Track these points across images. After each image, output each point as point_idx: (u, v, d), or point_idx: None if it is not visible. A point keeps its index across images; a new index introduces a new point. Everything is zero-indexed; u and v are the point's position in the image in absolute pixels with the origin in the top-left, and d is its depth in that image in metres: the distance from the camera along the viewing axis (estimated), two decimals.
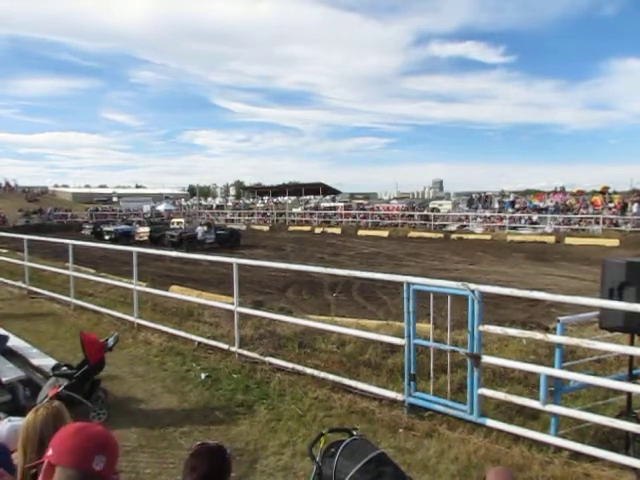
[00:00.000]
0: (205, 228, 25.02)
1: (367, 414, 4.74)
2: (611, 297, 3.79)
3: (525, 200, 35.28)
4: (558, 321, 4.06)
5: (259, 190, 54.97)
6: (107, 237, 27.24)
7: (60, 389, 4.56)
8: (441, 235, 27.89)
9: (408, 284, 4.69)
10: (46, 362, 5.53)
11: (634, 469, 3.60)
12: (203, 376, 5.76)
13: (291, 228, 34.90)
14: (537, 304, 9.80)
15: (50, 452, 1.36)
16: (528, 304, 9.95)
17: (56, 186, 77.22)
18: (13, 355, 5.74)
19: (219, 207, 51.43)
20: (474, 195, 40.21)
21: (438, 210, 37.28)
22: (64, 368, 4.90)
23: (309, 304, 10.74)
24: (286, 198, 49.11)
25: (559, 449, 3.92)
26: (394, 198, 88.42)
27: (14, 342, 6.15)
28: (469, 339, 4.35)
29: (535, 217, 28.31)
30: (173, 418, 4.79)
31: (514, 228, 27.62)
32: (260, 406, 4.99)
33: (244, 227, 35.26)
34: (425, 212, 34.52)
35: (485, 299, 4.37)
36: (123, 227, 29.30)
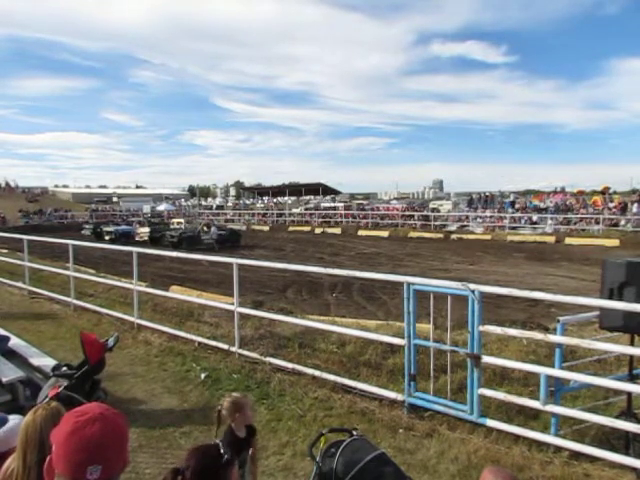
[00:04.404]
0: (208, 228, 25.08)
1: (367, 414, 4.74)
2: (611, 297, 3.79)
3: (525, 200, 35.29)
4: (558, 321, 4.06)
5: (259, 190, 54.99)
6: (107, 237, 27.26)
7: (60, 389, 4.55)
8: (441, 235, 27.86)
9: (408, 284, 4.69)
10: (46, 362, 5.51)
11: (634, 469, 3.60)
12: (203, 376, 5.76)
13: (291, 228, 34.87)
14: (537, 304, 9.78)
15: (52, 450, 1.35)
16: (528, 304, 9.94)
17: (56, 186, 77.20)
18: (13, 355, 5.73)
19: (219, 207, 51.42)
20: (474, 195, 40.16)
21: (438, 210, 37.22)
22: (64, 368, 4.89)
23: (309, 304, 10.73)
24: (286, 198, 49.12)
25: (559, 449, 3.92)
26: (394, 198, 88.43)
27: (14, 342, 6.15)
28: (469, 339, 4.35)
29: (535, 217, 28.29)
30: (173, 418, 4.80)
31: (514, 228, 27.59)
32: (260, 406, 4.99)
33: (244, 227, 35.23)
34: (425, 212, 34.52)
35: (485, 299, 4.38)
36: (123, 227, 29.35)
